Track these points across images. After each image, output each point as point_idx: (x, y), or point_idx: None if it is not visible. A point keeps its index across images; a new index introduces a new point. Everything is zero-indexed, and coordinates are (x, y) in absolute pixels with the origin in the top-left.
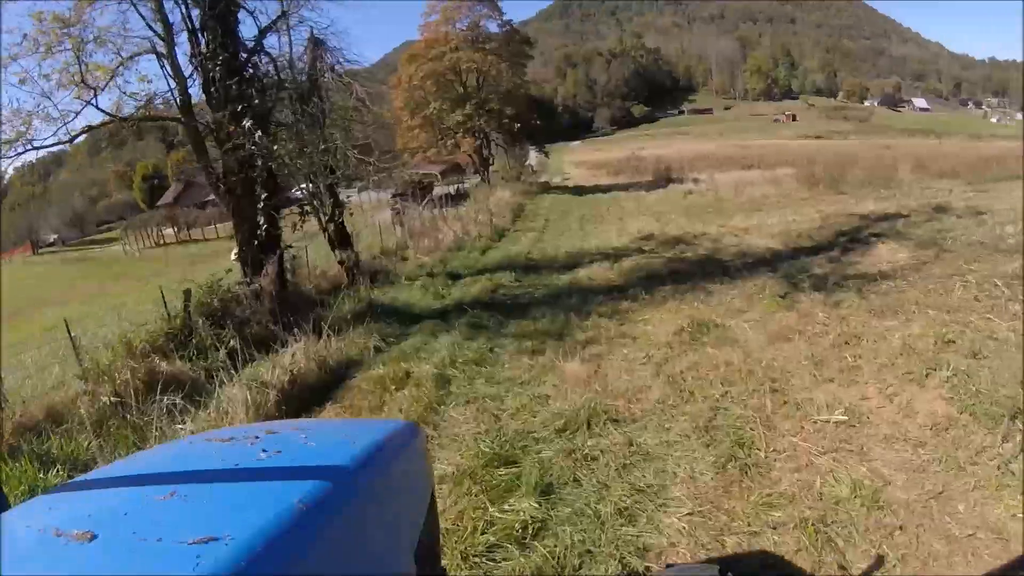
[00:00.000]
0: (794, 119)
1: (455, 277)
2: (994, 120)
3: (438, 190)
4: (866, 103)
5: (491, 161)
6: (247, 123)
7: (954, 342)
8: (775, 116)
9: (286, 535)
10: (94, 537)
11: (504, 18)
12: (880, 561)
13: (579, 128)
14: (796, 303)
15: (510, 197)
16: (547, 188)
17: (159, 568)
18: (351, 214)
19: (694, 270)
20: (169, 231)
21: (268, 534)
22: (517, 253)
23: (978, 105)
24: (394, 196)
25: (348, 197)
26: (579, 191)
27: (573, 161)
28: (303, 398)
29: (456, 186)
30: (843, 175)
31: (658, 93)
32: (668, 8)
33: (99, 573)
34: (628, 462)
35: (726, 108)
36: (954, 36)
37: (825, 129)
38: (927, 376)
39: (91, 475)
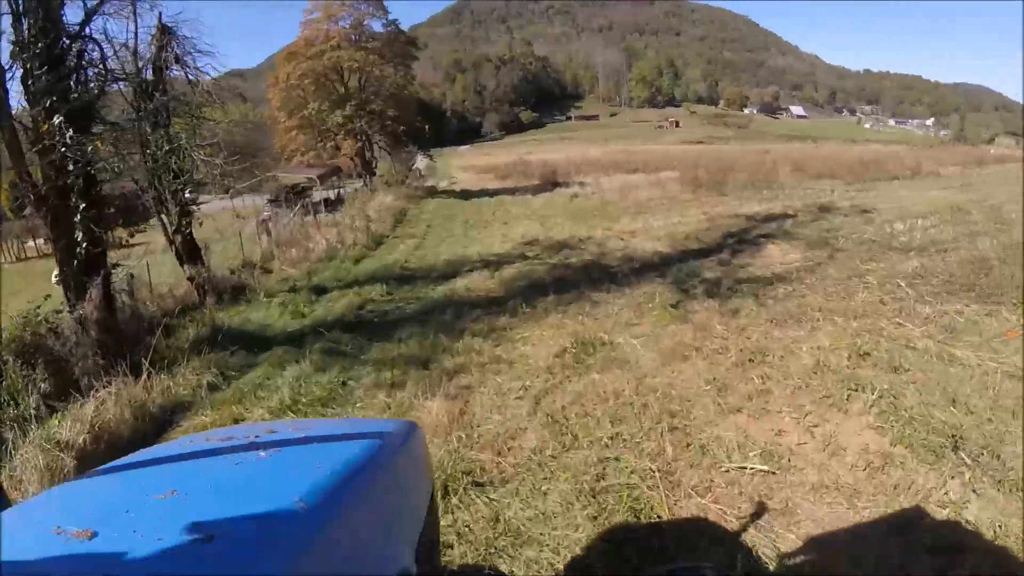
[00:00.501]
0: (677, 125)
1: (321, 291)
2: (867, 126)
3: (318, 195)
4: (746, 111)
5: (374, 165)
6: (58, 119)
7: (870, 355)
8: (659, 123)
9: (285, 534)
10: (94, 535)
11: (389, 17)
12: None
13: (468, 133)
14: (690, 313)
15: (392, 202)
16: (433, 192)
17: (159, 566)
18: (200, 223)
19: (579, 277)
20: (32, 243)
21: (267, 533)
22: (393, 262)
23: (852, 112)
24: (269, 202)
25: (195, 205)
26: (465, 195)
27: (461, 165)
28: (113, 458)
29: (337, 190)
30: (725, 178)
31: (546, 100)
32: (558, 18)
33: (100, 571)
34: (492, 548)
35: (612, 115)
36: (831, 49)
37: (706, 135)
38: (848, 399)
39: (91, 474)
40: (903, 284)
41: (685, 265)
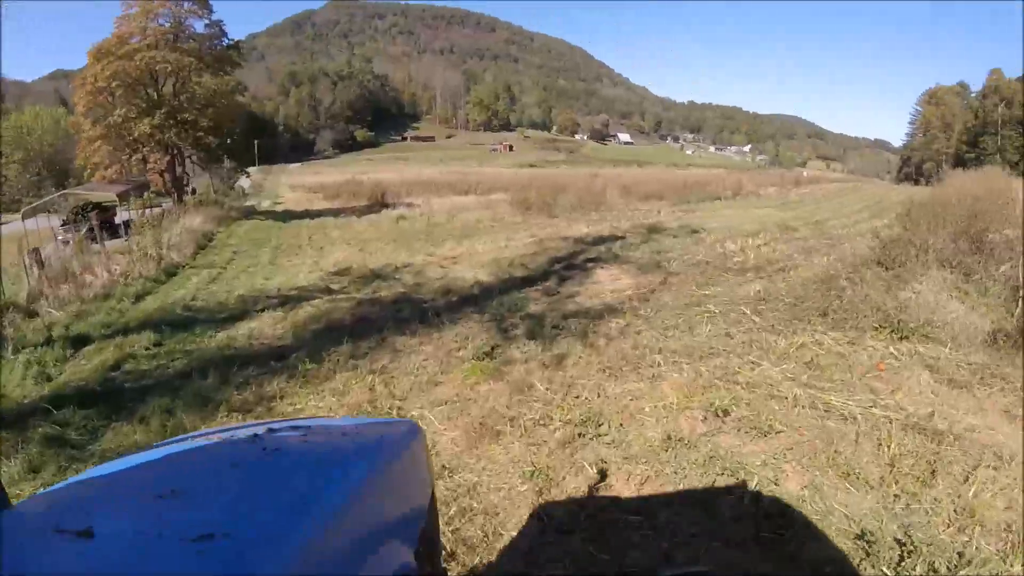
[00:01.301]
0: (511, 149)
1: (82, 342)
2: (689, 152)
3: (122, 215)
4: (577, 136)
5: (186, 182)
6: None
7: (729, 413)
8: (493, 146)
9: (285, 533)
10: (94, 535)
11: (212, 17)
12: None
13: (301, 150)
14: (507, 364)
15: (200, 224)
16: (251, 213)
17: (159, 565)
18: None
19: (386, 316)
20: None
21: (267, 532)
22: (179, 299)
23: (676, 140)
24: (62, 225)
25: None
26: (286, 216)
27: (291, 184)
28: None
29: (143, 211)
30: (555, 199)
31: (383, 118)
32: (401, 37)
33: (100, 571)
34: None
35: (448, 137)
36: (660, 81)
37: (539, 158)
38: (716, 496)
39: (91, 473)
40: (748, 311)
41: (508, 296)
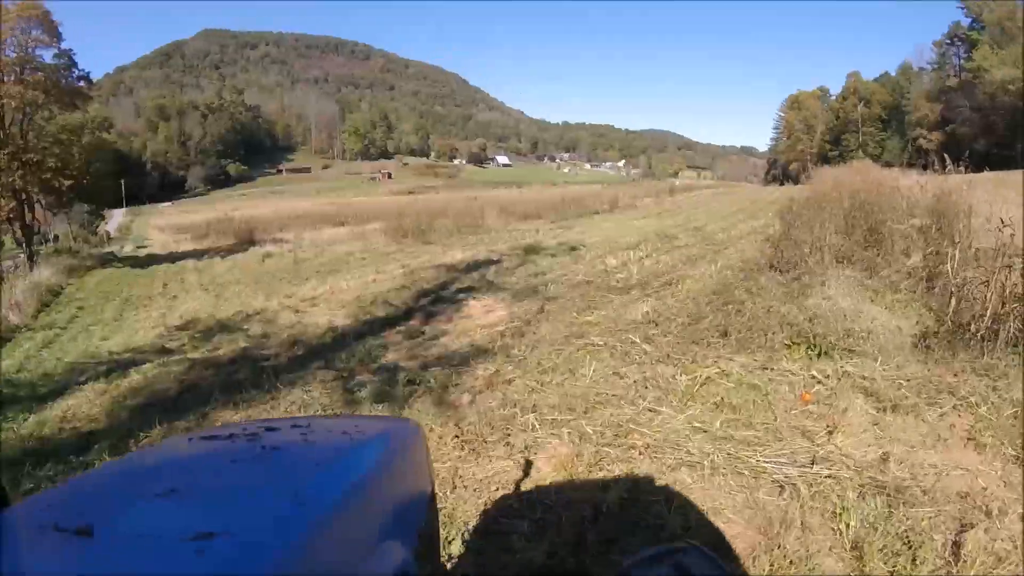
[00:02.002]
0: (389, 177)
1: None
2: (567, 171)
3: None
4: (456, 161)
5: (37, 229)
6: None
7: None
8: (372, 174)
9: (285, 532)
10: (95, 534)
11: (62, 46)
12: None
13: (171, 187)
14: None
15: (49, 277)
16: (109, 260)
17: (159, 565)
18: None
19: (216, 382)
20: None
21: (267, 531)
22: (4, 371)
23: (552, 159)
24: None
25: None
26: (147, 262)
27: (159, 225)
28: None
29: None
30: (432, 225)
31: (257, 151)
32: (274, 67)
33: (100, 570)
34: None
35: (324, 167)
36: (534, 104)
37: (418, 185)
38: None
39: (91, 473)
40: (637, 339)
41: (364, 343)
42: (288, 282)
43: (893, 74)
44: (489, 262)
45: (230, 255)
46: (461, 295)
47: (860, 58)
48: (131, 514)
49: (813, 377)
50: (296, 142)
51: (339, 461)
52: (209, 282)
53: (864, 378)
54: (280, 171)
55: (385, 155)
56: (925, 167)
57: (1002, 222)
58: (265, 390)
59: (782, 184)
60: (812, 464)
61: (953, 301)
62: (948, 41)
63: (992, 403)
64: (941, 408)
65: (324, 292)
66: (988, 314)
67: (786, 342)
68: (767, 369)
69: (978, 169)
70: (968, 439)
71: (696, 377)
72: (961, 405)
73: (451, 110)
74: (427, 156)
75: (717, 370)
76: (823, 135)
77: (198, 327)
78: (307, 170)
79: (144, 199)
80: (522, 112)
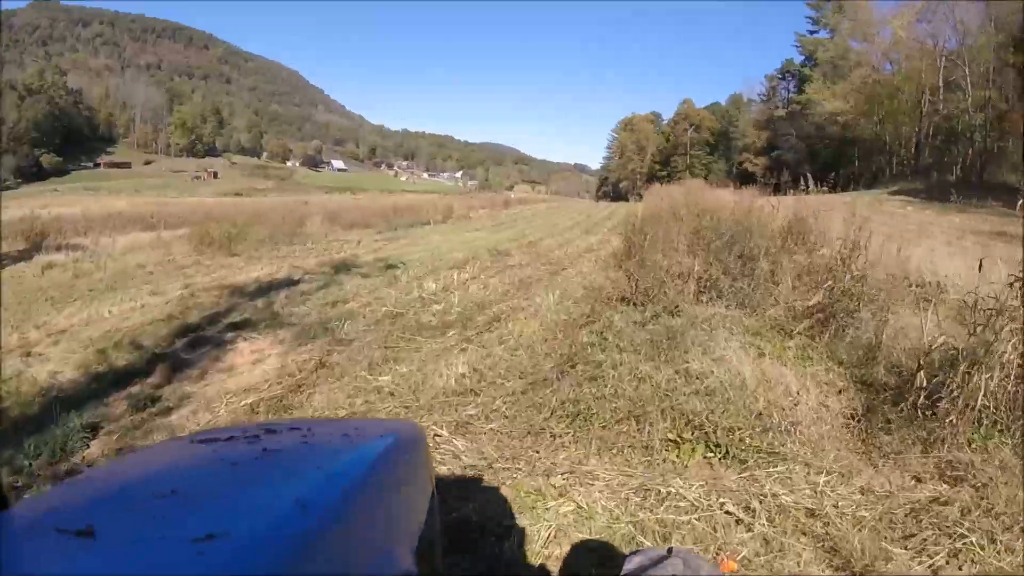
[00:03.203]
0: (216, 176)
1: None
2: (403, 179)
3: None
4: (288, 163)
5: None
6: None
7: None
8: (196, 173)
9: (286, 534)
10: (96, 535)
11: None
12: None
13: None
14: None
15: None
16: None
17: (161, 566)
18: None
19: None
20: None
21: (268, 533)
22: None
23: (390, 167)
24: None
25: None
26: None
27: None
28: None
29: None
30: (246, 233)
31: (75, 142)
32: (105, 48)
33: (101, 571)
34: None
35: (147, 163)
36: (375, 110)
37: (246, 186)
38: None
39: (91, 473)
40: (444, 431)
41: (68, 422)
42: (52, 305)
43: (723, 103)
44: (288, 283)
45: (14, 264)
46: (232, 333)
47: (692, 88)
48: (131, 515)
49: (728, 513)
50: (119, 133)
51: (340, 463)
52: None
53: (805, 509)
54: (99, 165)
55: (213, 152)
56: (778, 187)
57: None
58: None
59: (614, 200)
60: None
61: (879, 358)
62: (780, 76)
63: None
64: (932, 558)
65: (78, 323)
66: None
67: (671, 436)
68: (646, 493)
69: (833, 189)
70: None
71: (536, 515)
72: (959, 549)
73: (288, 109)
74: (259, 156)
75: (571, 506)
76: (654, 156)
77: None
78: (127, 165)
79: None
80: (362, 117)
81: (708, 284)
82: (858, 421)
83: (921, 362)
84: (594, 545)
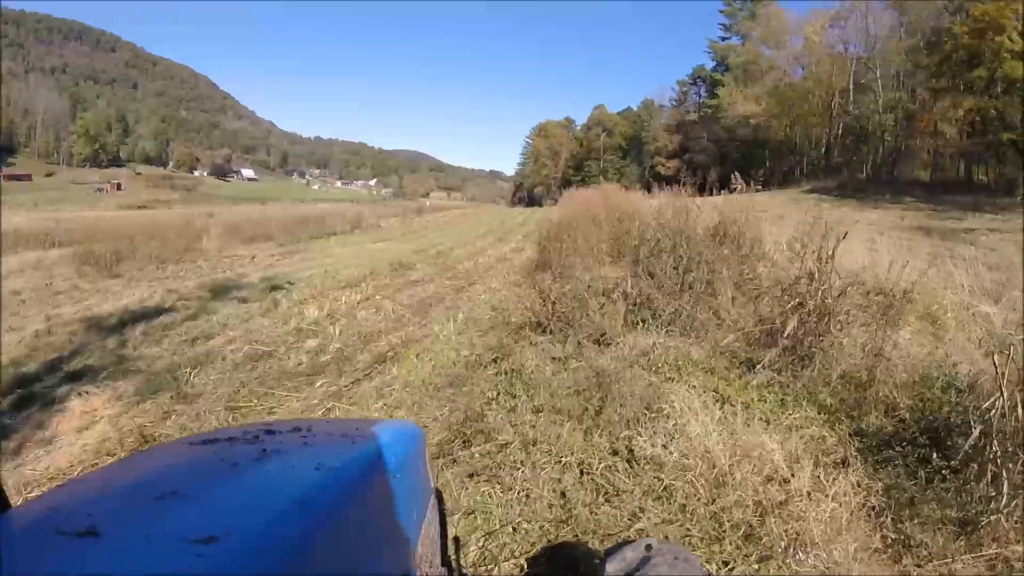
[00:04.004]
0: (119, 188)
1: None
2: (316, 187)
3: None
4: (196, 173)
5: None
6: None
7: None
8: (99, 185)
9: (286, 534)
10: (96, 536)
11: None
12: None
13: None
14: None
15: None
16: None
17: (162, 566)
18: None
19: None
20: None
21: (268, 533)
22: None
23: (302, 175)
24: None
25: None
26: None
27: None
28: None
29: None
30: (134, 250)
31: None
32: (8, 51)
33: (102, 572)
34: None
35: (48, 175)
36: (287, 116)
37: (150, 199)
38: None
39: (91, 474)
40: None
41: None
42: None
43: (635, 109)
44: (156, 312)
45: None
46: (68, 386)
47: (605, 94)
48: (132, 516)
49: None
50: (19, 142)
51: (340, 463)
52: None
53: None
54: None
55: (117, 163)
56: (703, 188)
57: None
58: None
59: (528, 206)
60: None
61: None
62: (691, 81)
63: None
64: None
65: None
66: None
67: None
68: None
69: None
70: None
71: None
72: None
73: (197, 116)
74: (165, 166)
75: None
76: (567, 161)
77: None
78: (28, 177)
79: None
80: (273, 123)
81: (639, 302)
82: (877, 514)
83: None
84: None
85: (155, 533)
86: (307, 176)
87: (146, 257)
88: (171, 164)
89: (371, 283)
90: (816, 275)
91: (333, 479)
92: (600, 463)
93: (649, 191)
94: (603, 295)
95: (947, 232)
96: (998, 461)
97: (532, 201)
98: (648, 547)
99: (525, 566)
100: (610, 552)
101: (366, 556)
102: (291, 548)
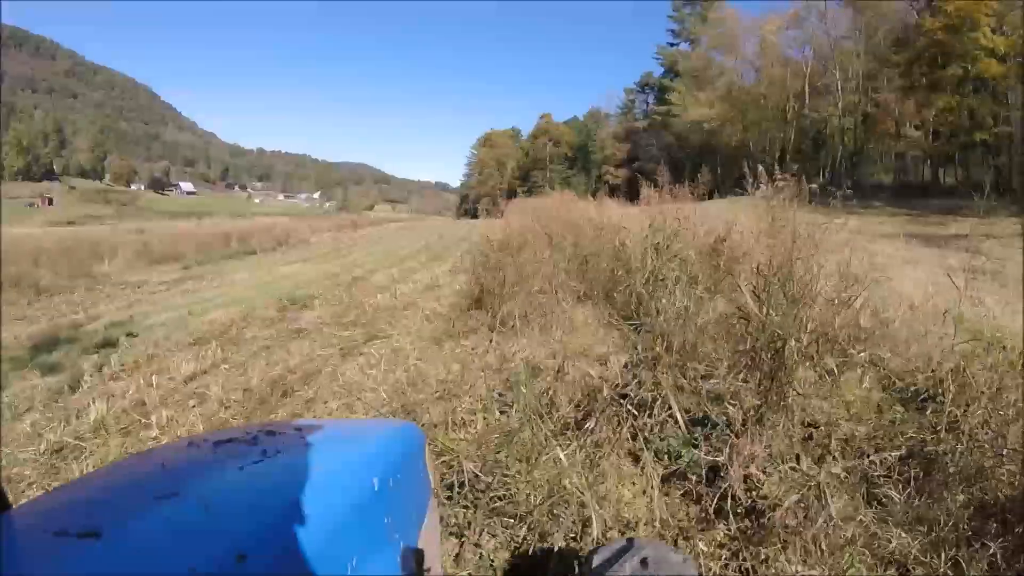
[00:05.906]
0: (51, 203)
1: None
2: (258, 200)
3: None
4: (133, 186)
5: None
6: None
7: None
8: (29, 200)
9: (286, 535)
10: (97, 536)
11: None
12: None
13: None
14: None
15: None
16: None
17: (162, 567)
18: None
19: None
20: None
21: (269, 533)
22: None
23: (244, 188)
24: None
25: None
26: None
27: None
28: None
29: None
30: (37, 277)
31: None
32: None
33: (103, 572)
34: None
35: None
36: (229, 128)
37: (83, 214)
38: None
39: (92, 475)
40: None
41: None
42: None
43: (581, 118)
44: None
45: None
46: None
47: (552, 103)
48: (133, 517)
49: None
50: None
51: (340, 464)
52: None
53: None
54: None
55: (51, 176)
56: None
57: None
58: None
59: (474, 218)
60: None
61: None
62: (639, 88)
63: None
64: None
65: None
66: None
67: None
68: None
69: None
70: None
71: None
72: None
73: (137, 127)
74: (101, 179)
75: None
76: (514, 172)
77: None
78: None
79: None
80: (215, 135)
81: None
82: None
83: None
84: None
85: (154, 534)
86: (248, 189)
87: (34, 286)
88: (107, 178)
89: (233, 334)
90: None
91: (333, 479)
92: None
93: (599, 199)
94: (576, 404)
95: (941, 240)
96: None
97: (478, 213)
98: (629, 541)
99: None
100: (594, 552)
101: (366, 556)
102: (293, 548)
